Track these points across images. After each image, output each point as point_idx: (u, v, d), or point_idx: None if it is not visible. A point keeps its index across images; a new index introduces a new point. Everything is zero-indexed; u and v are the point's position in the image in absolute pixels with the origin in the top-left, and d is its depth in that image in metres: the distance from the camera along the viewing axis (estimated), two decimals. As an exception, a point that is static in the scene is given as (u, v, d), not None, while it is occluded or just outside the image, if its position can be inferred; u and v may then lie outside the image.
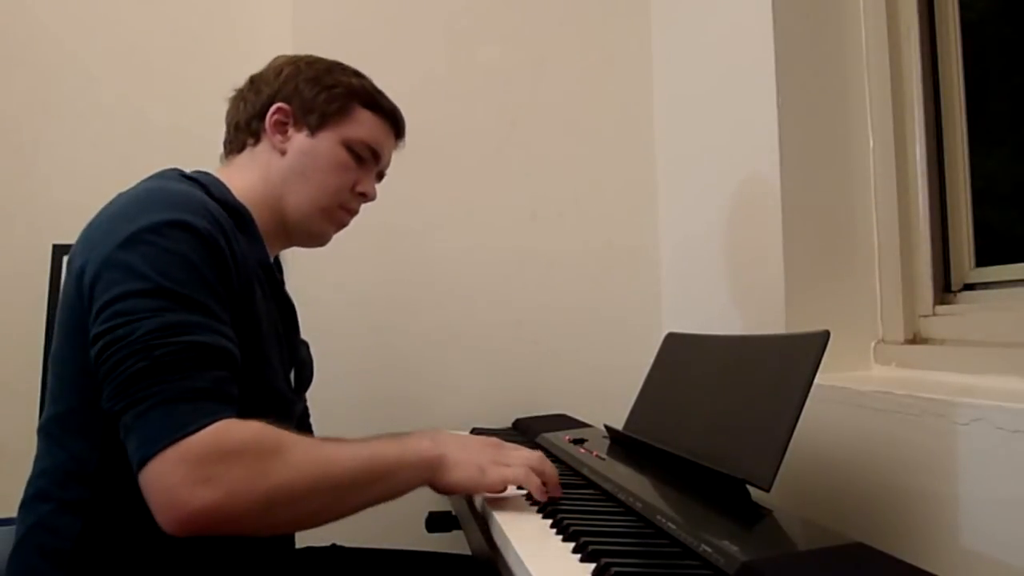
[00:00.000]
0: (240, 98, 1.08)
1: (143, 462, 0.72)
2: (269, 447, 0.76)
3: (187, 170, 0.98)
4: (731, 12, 1.46)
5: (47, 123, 1.68)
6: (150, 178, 0.94)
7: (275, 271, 1.02)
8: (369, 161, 1.09)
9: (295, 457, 0.77)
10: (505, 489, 0.89)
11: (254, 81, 1.08)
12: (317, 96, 1.05)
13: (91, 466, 0.83)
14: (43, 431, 0.89)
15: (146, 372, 0.74)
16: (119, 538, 0.83)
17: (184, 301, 0.78)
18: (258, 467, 0.74)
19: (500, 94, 1.80)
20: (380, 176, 1.14)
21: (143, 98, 1.71)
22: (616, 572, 0.66)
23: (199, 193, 0.89)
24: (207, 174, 0.99)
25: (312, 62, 1.08)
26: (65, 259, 1.09)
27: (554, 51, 1.83)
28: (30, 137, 1.67)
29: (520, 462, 0.89)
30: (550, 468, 0.91)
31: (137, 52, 1.72)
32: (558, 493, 0.90)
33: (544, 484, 0.89)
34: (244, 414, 0.82)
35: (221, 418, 0.74)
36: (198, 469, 0.71)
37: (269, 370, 0.94)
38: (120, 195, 0.90)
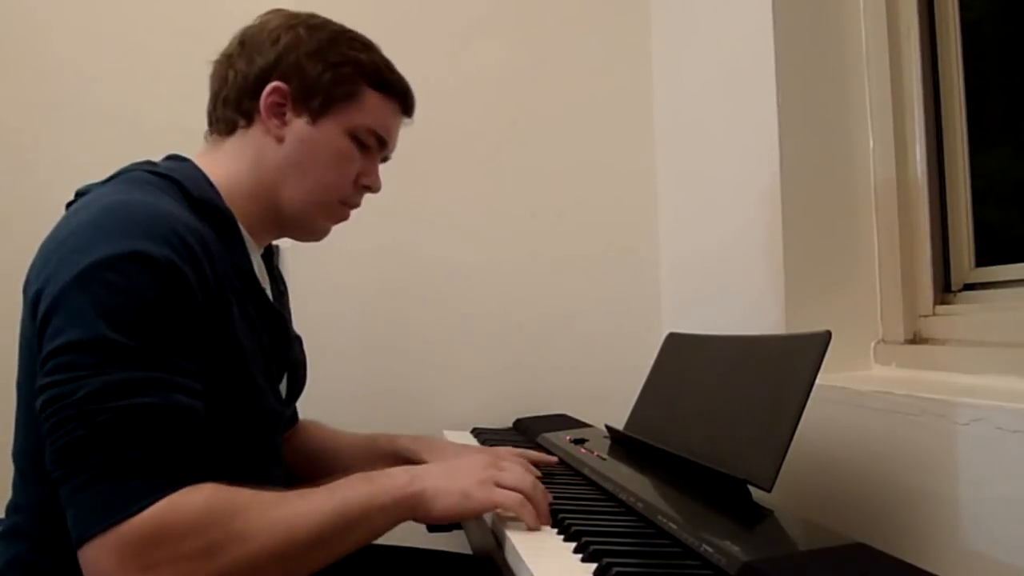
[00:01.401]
0: (229, 65, 0.95)
1: (79, 543, 0.66)
2: (219, 520, 0.69)
3: (160, 161, 0.90)
4: (731, 12, 1.46)
5: (47, 123, 1.68)
6: (116, 181, 0.85)
7: (256, 278, 0.93)
8: (374, 148, 0.98)
9: (251, 526, 0.70)
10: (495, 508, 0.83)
11: (245, 44, 0.95)
12: (321, 76, 0.92)
13: (60, 509, 0.73)
14: (15, 460, 0.83)
15: (83, 441, 0.67)
16: None
17: (133, 354, 0.70)
18: (207, 547, 0.67)
19: (500, 94, 1.80)
20: (386, 159, 1.04)
21: (143, 97, 1.70)
22: (617, 572, 0.66)
23: (166, 205, 0.80)
24: (185, 163, 0.91)
25: (314, 28, 0.95)
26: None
27: (554, 51, 1.83)
28: (30, 137, 1.67)
29: (513, 484, 0.82)
30: (540, 495, 0.84)
31: (137, 51, 1.72)
32: (547, 521, 0.83)
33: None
34: (233, 437, 0.79)
35: (165, 493, 0.67)
36: (137, 556, 0.65)
37: (254, 390, 0.87)
38: (80, 204, 0.82)
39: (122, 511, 0.66)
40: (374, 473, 0.81)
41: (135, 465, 0.67)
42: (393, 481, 0.79)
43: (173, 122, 1.71)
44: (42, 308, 0.73)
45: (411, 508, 0.79)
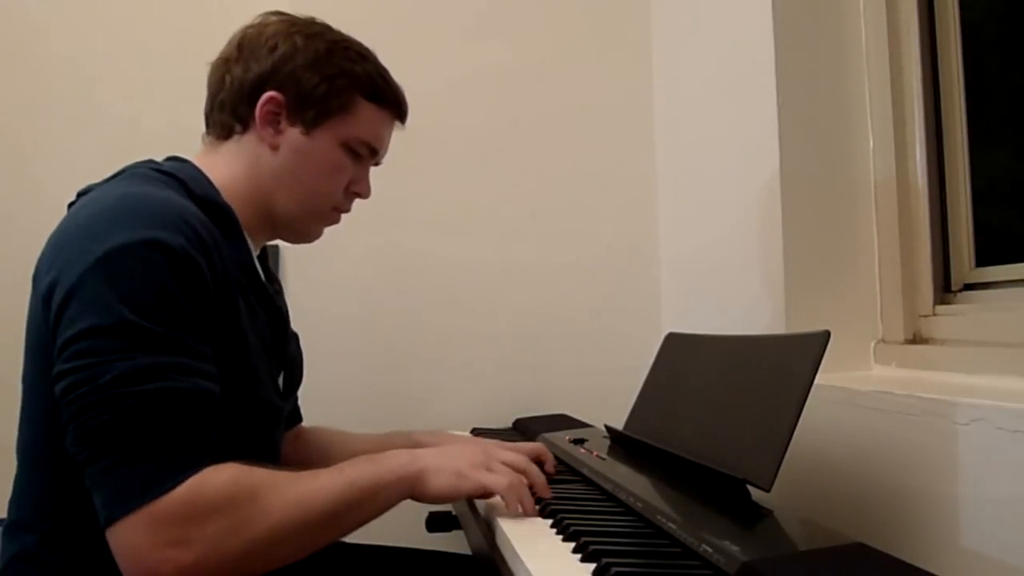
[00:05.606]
0: (226, 68, 0.95)
1: (110, 522, 0.68)
2: (244, 497, 0.72)
3: (162, 160, 0.92)
4: (731, 12, 1.46)
5: (46, 123, 1.68)
6: (122, 177, 0.86)
7: (259, 273, 0.95)
8: (366, 157, 1.00)
9: (272, 503, 0.73)
10: (488, 494, 0.86)
11: (242, 48, 0.95)
12: (316, 88, 0.93)
13: (68, 499, 0.78)
14: (20, 453, 0.84)
15: (112, 425, 0.69)
16: (106, 572, 0.73)
17: (156, 339, 0.72)
18: (233, 522, 0.70)
19: (500, 94, 1.80)
20: (377, 164, 1.05)
21: (143, 97, 1.70)
22: (617, 572, 0.66)
23: (177, 198, 0.82)
24: (186, 164, 0.92)
25: (311, 37, 0.95)
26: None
27: (554, 51, 1.83)
28: (29, 138, 1.67)
29: (505, 468, 0.86)
30: (535, 471, 0.90)
31: (136, 51, 1.72)
32: (547, 494, 0.89)
33: (531, 486, 0.88)
34: (233, 429, 0.80)
35: (193, 472, 0.70)
36: (170, 531, 0.68)
37: (257, 383, 0.89)
38: (89, 198, 0.83)
39: (154, 489, 0.68)
40: (377, 455, 0.84)
41: (163, 446, 0.70)
42: (395, 460, 0.83)
43: (171, 122, 1.71)
44: (58, 296, 0.74)
45: (411, 486, 0.83)
